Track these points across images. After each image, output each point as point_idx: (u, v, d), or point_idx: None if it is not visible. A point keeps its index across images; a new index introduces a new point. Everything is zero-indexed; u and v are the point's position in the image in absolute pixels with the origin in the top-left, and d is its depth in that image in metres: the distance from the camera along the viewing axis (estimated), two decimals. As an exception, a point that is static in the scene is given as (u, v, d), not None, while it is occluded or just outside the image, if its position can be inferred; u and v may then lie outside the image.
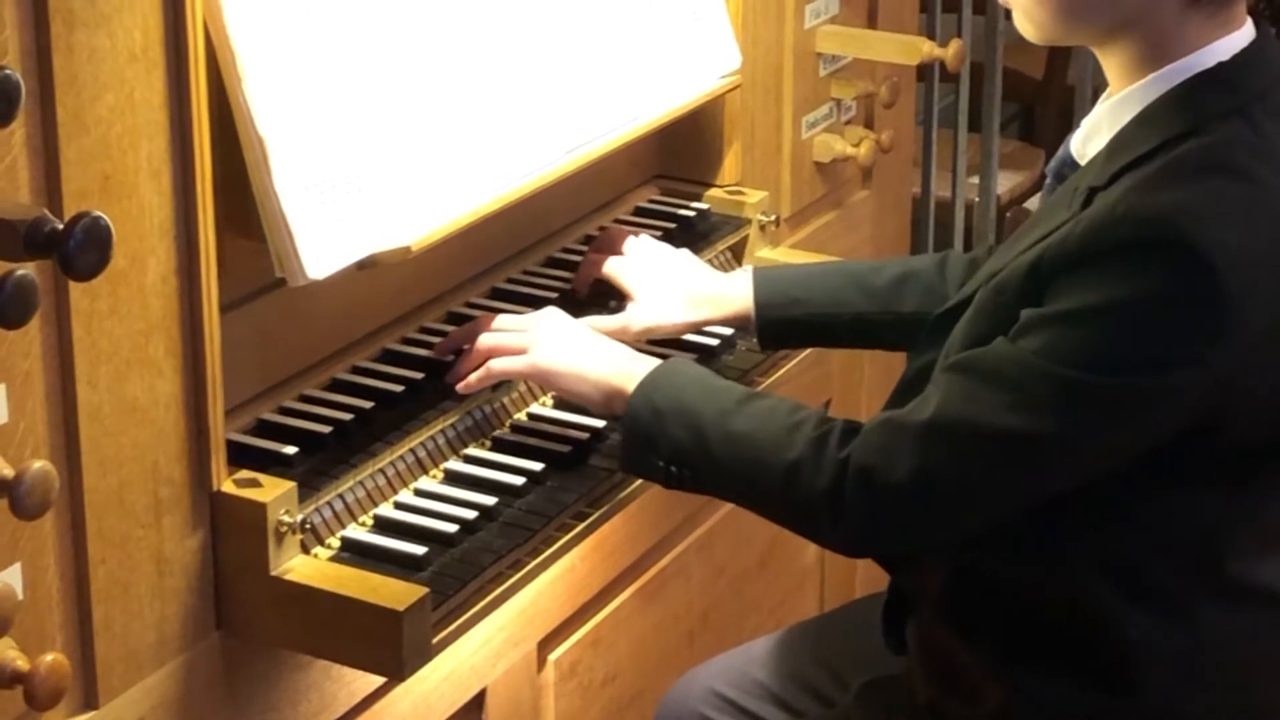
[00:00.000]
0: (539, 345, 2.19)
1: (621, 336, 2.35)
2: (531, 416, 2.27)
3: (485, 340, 2.21)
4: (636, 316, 2.37)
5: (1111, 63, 1.98)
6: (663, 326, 2.38)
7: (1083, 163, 2.00)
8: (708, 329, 2.45)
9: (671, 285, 2.39)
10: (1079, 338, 1.86)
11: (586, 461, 2.20)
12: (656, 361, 2.13)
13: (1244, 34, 1.95)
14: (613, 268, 2.42)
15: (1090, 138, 2.01)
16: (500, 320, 2.24)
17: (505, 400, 2.26)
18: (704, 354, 2.43)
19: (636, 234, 2.48)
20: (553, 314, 2.25)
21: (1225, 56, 1.93)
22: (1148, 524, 1.95)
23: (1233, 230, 1.83)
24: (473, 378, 2.19)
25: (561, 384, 2.18)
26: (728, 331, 2.46)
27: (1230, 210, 1.84)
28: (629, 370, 2.12)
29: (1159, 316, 1.84)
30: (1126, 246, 1.84)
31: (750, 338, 2.43)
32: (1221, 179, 1.87)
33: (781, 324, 2.37)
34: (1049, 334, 1.87)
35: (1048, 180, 2.09)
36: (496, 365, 2.19)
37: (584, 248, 2.52)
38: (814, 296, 2.37)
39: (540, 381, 2.23)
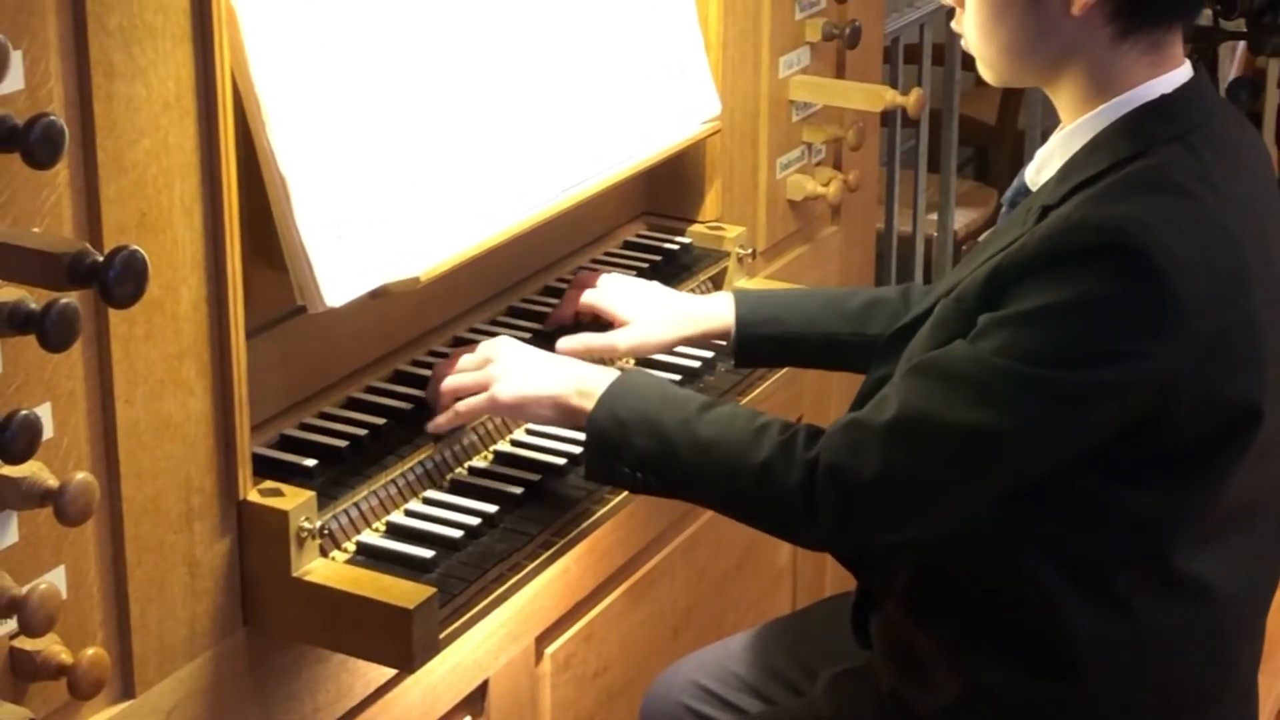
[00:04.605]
0: (497, 381, 2.13)
1: (610, 355, 2.34)
2: (530, 431, 2.27)
3: (447, 384, 2.16)
4: (624, 336, 2.33)
5: (1062, 99, 1.99)
6: (648, 344, 2.33)
7: (1034, 189, 2.01)
8: (686, 352, 2.41)
9: (653, 305, 2.36)
10: (1036, 335, 1.84)
11: (580, 473, 2.20)
12: (613, 373, 2.08)
13: (1183, 72, 1.96)
14: (594, 297, 2.38)
15: (1043, 166, 2.01)
16: (461, 361, 2.18)
17: (505, 418, 2.26)
18: (686, 375, 2.42)
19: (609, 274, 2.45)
20: (505, 342, 2.19)
21: (1168, 90, 1.94)
22: (1094, 521, 1.93)
23: (1178, 239, 1.82)
24: (441, 419, 2.15)
25: (524, 413, 2.14)
26: (708, 354, 2.44)
27: (1175, 222, 1.84)
28: (587, 385, 2.07)
29: (1111, 314, 1.83)
30: (1081, 252, 1.83)
31: (728, 359, 2.41)
32: (1167, 195, 1.86)
33: (759, 340, 2.35)
34: (1007, 334, 1.85)
35: (1004, 209, 2.10)
36: (462, 407, 2.14)
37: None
38: (791, 316, 2.35)
39: (503, 415, 2.19)
